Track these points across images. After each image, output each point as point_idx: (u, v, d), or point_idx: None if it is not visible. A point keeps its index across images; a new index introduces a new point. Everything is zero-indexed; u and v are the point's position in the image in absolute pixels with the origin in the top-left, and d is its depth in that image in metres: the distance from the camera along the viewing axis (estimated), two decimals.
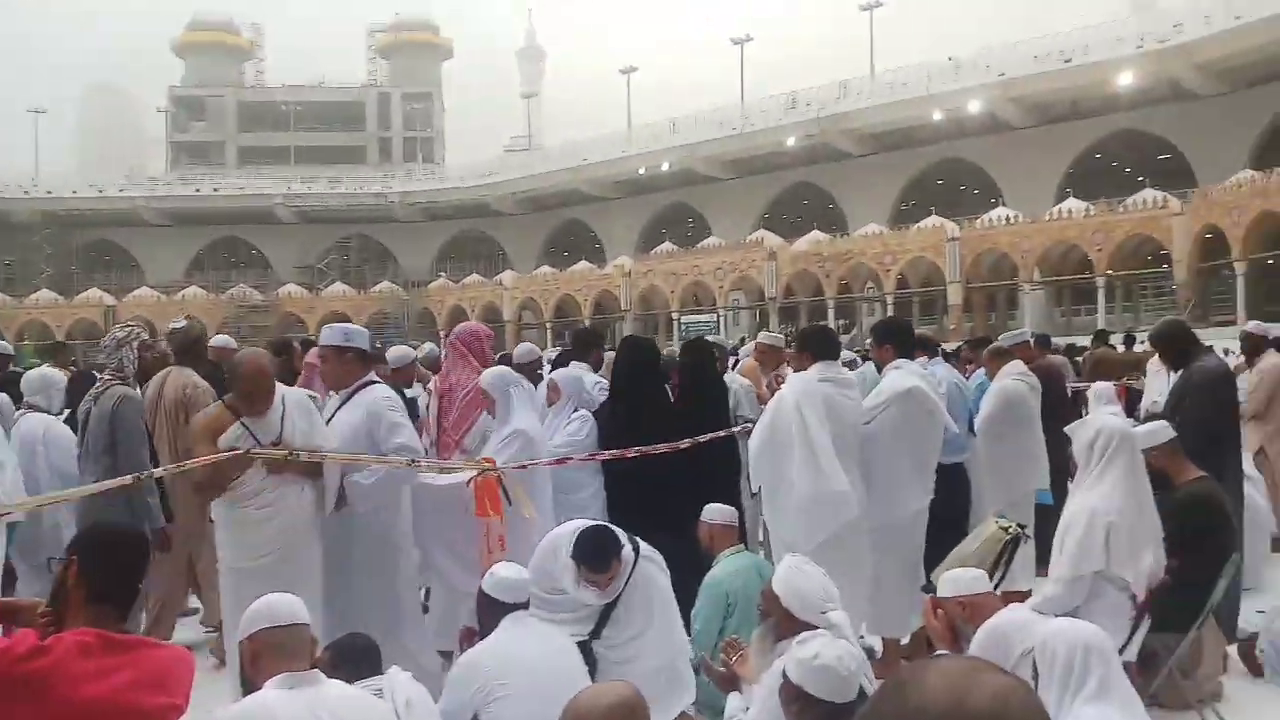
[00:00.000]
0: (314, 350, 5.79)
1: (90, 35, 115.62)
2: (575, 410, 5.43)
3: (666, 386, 5.72)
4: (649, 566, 4.06)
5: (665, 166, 51.03)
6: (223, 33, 71.93)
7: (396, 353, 7.24)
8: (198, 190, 59.70)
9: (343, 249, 61.78)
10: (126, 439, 4.84)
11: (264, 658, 2.64)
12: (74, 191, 58.08)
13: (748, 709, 3.08)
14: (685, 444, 5.11)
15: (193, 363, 5.79)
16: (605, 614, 3.99)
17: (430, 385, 5.98)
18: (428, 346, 8.43)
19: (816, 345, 5.02)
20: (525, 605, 3.49)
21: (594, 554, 3.87)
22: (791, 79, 51.22)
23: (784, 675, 2.72)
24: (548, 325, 47.74)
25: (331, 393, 4.73)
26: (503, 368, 5.21)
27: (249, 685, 2.64)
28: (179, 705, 2.48)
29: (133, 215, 58.29)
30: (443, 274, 57.31)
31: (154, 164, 69.39)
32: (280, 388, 4.17)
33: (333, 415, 4.45)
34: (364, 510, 4.30)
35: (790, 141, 46.71)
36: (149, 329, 6.00)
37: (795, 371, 5.14)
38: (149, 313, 50.39)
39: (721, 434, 5.56)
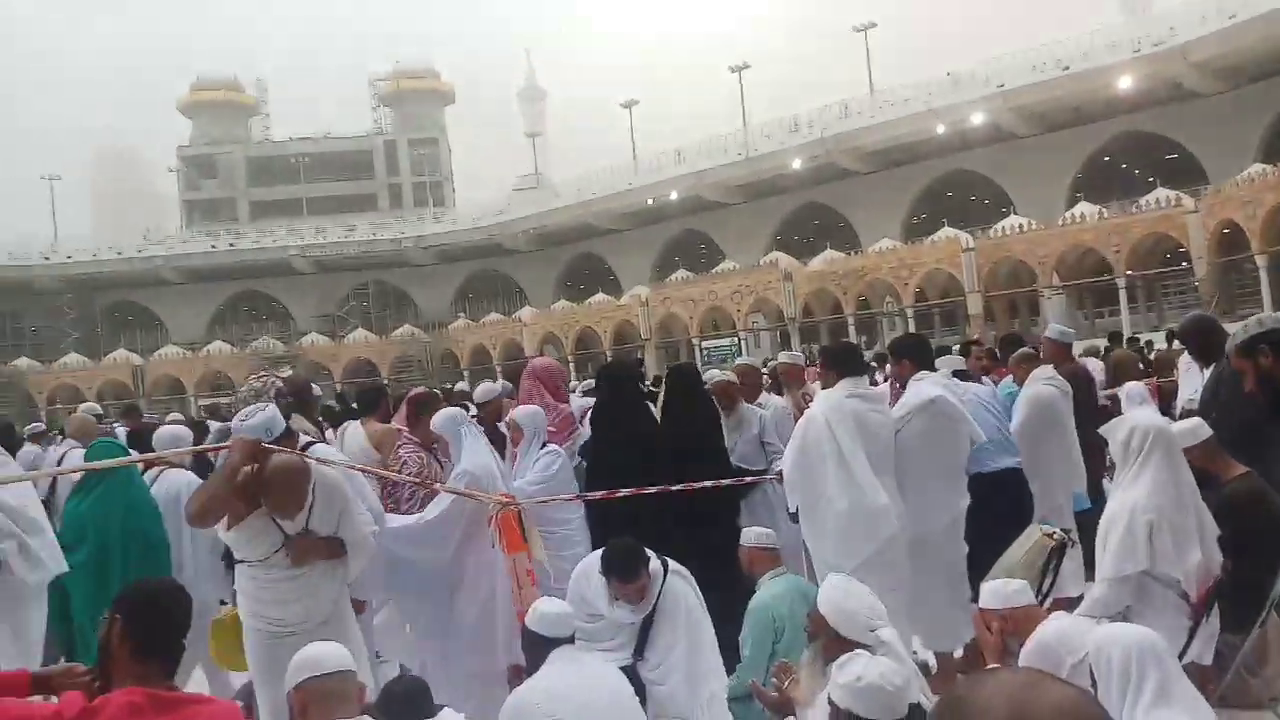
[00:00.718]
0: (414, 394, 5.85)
1: (96, 99, 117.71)
2: (544, 446, 5.34)
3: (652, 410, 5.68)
4: (678, 581, 4.11)
5: (673, 195, 51.22)
6: (228, 90, 72.92)
7: (483, 390, 7.23)
8: (214, 246, 60.34)
9: (361, 296, 62.19)
10: None
11: (313, 707, 2.63)
12: (94, 255, 58.80)
13: None
14: (727, 483, 5.11)
15: (303, 410, 5.88)
16: (644, 634, 3.99)
17: (506, 419, 5.98)
18: (502, 384, 8.36)
19: (842, 362, 4.99)
20: (571, 639, 3.47)
21: (621, 564, 3.94)
22: (792, 102, 51.43)
23: (830, 701, 2.68)
24: (570, 359, 47.79)
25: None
26: (454, 409, 5.14)
27: None
28: None
29: (153, 275, 58.97)
30: (462, 314, 57.55)
31: (169, 223, 70.23)
32: (315, 474, 3.85)
33: None
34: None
35: (796, 164, 46.85)
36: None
37: (822, 389, 5.12)
38: (175, 370, 51.02)
39: (766, 478, 5.53)
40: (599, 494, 4.98)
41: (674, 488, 4.94)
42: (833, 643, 3.05)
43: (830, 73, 63.04)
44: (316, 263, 60.11)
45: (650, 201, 52.44)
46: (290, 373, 6.46)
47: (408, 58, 75.48)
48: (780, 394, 6.96)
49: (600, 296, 50.27)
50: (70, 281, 57.61)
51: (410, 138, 72.00)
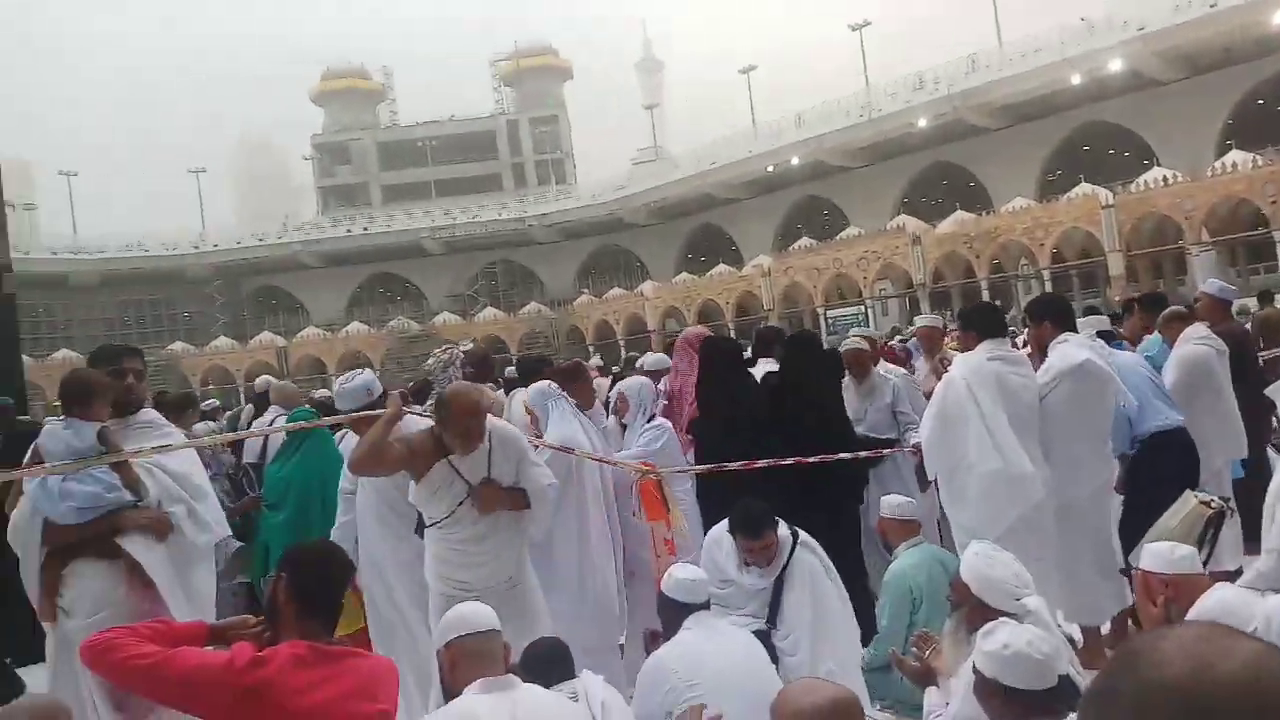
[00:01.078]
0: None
1: (234, 94, 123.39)
2: (651, 419, 5.32)
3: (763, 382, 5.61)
4: (806, 553, 4.10)
5: (794, 161, 50.46)
6: (356, 79, 75.16)
7: (654, 359, 7.57)
8: (349, 231, 62.66)
9: (489, 274, 63.65)
10: None
11: (461, 664, 2.73)
12: (238, 243, 62.00)
13: (947, 704, 2.98)
14: (850, 457, 5.04)
15: (482, 378, 6.23)
16: (776, 602, 4.00)
17: (661, 386, 6.08)
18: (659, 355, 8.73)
19: (981, 323, 4.84)
20: (706, 605, 3.49)
21: (747, 522, 4.00)
22: (914, 60, 49.95)
23: (975, 670, 2.62)
24: None
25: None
26: (543, 383, 5.21)
27: (449, 692, 2.73)
28: (389, 712, 2.58)
29: (293, 260, 61.69)
30: (585, 290, 58.27)
31: (307, 210, 73.17)
32: (489, 422, 3.95)
33: None
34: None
35: (921, 123, 45.46)
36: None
37: (962, 352, 4.99)
38: (316, 350, 53.29)
39: (903, 449, 5.44)
40: (736, 465, 4.94)
41: (809, 460, 4.88)
42: (976, 611, 2.98)
43: (955, 27, 60.96)
44: (446, 244, 61.74)
45: (770, 169, 51.81)
46: (470, 346, 6.85)
47: (525, 37, 76.44)
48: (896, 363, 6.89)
49: (722, 268, 50.06)
50: (218, 269, 60.87)
51: (531, 116, 72.91)
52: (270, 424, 6.55)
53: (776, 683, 3.42)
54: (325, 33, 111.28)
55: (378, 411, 4.33)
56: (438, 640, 2.81)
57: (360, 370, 4.70)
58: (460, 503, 3.80)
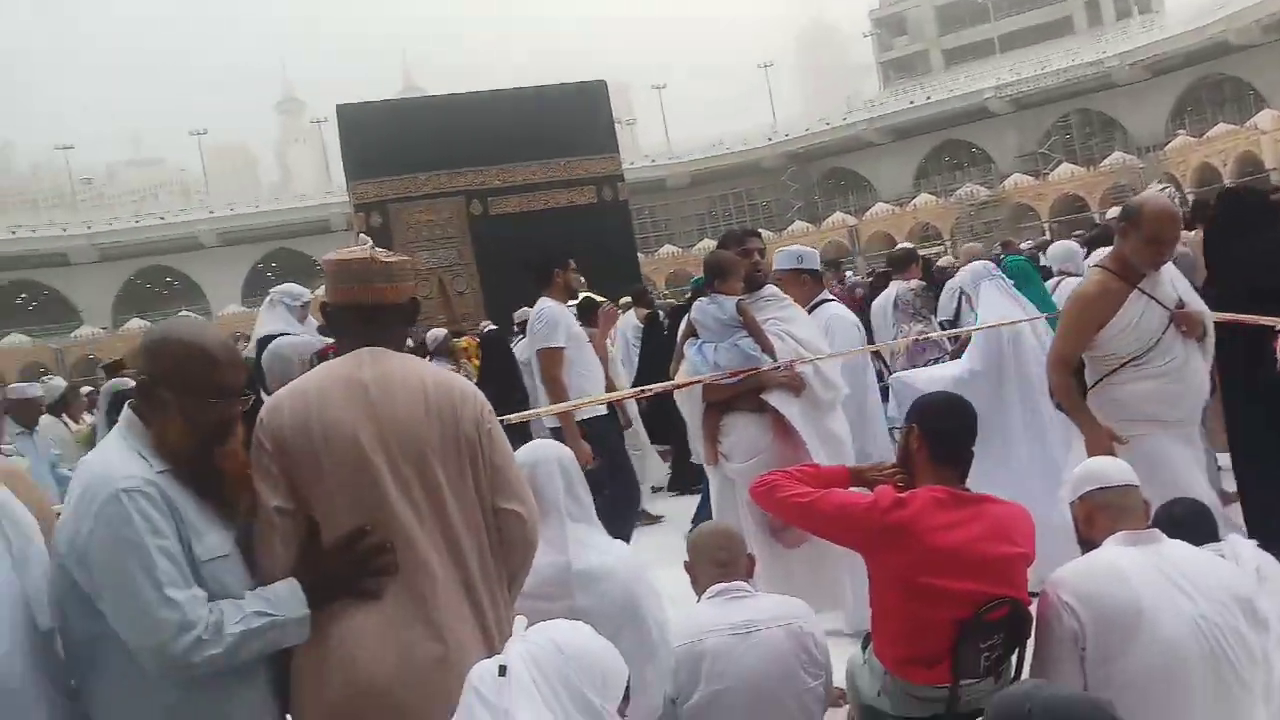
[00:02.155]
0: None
1: None
2: None
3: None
4: None
5: None
6: None
7: None
8: (911, 102, 61.74)
9: (1063, 128, 58.61)
10: None
11: (1098, 517, 2.71)
12: (806, 130, 64.52)
13: None
14: None
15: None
16: None
17: None
18: None
19: None
20: None
21: None
22: None
23: None
24: None
25: None
26: (978, 263, 5.35)
27: (1086, 543, 2.73)
28: (1027, 555, 2.69)
29: (857, 140, 62.56)
30: (1180, 131, 51.08)
31: (868, 88, 73.62)
32: None
33: None
34: None
35: None
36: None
37: None
38: (885, 225, 53.96)
39: None
40: None
41: None
42: None
43: None
44: (1013, 101, 57.97)
45: None
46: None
47: None
48: None
49: None
50: (790, 157, 64.05)
51: None
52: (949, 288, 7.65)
53: None
54: None
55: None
56: (1072, 493, 2.81)
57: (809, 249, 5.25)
58: (1164, 330, 3.70)
